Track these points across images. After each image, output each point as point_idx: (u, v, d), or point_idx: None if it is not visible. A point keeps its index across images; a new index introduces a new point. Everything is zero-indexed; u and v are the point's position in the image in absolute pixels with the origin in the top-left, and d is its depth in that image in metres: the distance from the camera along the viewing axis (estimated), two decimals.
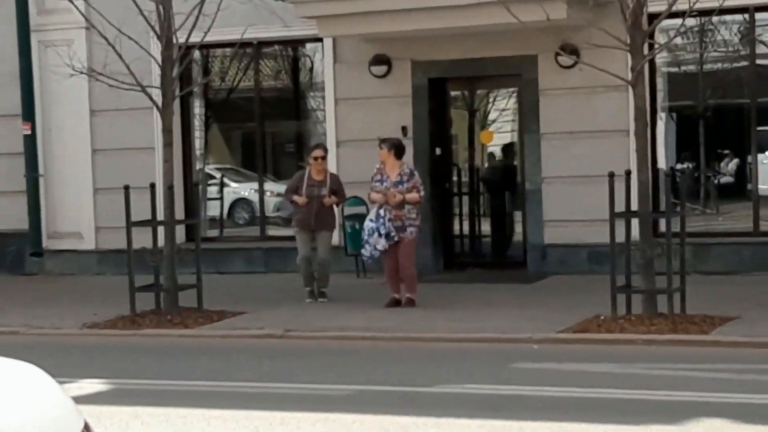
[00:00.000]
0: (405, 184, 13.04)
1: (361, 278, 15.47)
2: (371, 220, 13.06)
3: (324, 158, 13.84)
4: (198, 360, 10.94)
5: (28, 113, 17.18)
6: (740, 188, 15.36)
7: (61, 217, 17.41)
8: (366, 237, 13.05)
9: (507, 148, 16.69)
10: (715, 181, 15.58)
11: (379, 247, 12.96)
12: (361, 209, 15.31)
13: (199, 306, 12.96)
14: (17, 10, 17.05)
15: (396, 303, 13.08)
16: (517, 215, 16.22)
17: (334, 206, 14.00)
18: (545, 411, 8.14)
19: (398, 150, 13.24)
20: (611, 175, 11.46)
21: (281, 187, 16.43)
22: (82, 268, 17.25)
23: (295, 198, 13.72)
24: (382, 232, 12.92)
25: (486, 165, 16.83)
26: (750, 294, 12.97)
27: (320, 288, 13.82)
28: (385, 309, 12.91)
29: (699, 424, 7.67)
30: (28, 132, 17.20)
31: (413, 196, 13.00)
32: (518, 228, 16.20)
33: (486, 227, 16.68)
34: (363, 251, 13.30)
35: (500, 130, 16.96)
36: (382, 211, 12.98)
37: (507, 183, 16.45)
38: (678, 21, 12.24)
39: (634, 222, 11.82)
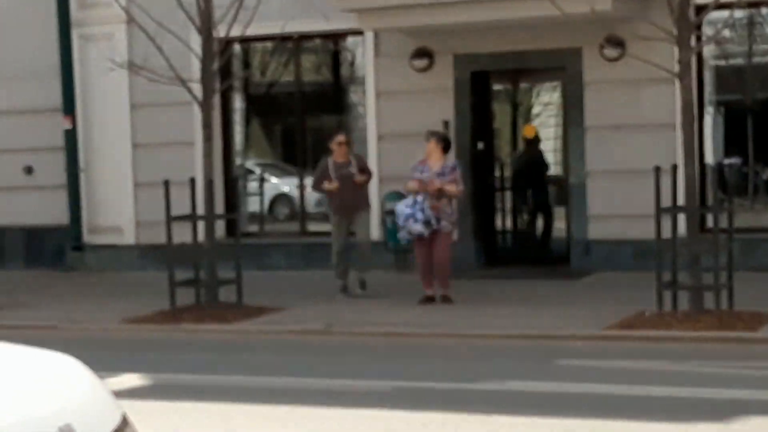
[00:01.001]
0: (447, 176, 12.91)
1: (402, 273, 15.35)
2: (407, 207, 12.87)
3: (347, 143, 13.80)
4: (238, 355, 10.91)
5: (69, 108, 17.22)
6: None
7: (101, 211, 17.41)
8: (401, 222, 12.89)
9: (533, 140, 16.48)
10: (764, 176, 15.36)
11: (415, 231, 12.77)
12: None
13: (238, 301, 12.90)
14: (58, 5, 17.10)
15: (429, 300, 12.94)
16: (561, 210, 16.06)
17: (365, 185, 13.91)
18: (590, 409, 8.04)
19: (446, 143, 13.23)
20: (657, 170, 11.30)
21: None
22: (122, 263, 17.25)
23: (326, 186, 13.63)
24: (419, 218, 12.73)
25: (521, 158, 16.66)
26: None
27: (360, 275, 13.70)
28: (425, 306, 12.77)
29: (747, 423, 7.54)
30: (69, 127, 17.24)
31: (451, 187, 12.85)
32: (562, 223, 16.03)
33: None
34: (399, 234, 13.18)
35: (544, 124, 16.79)
36: (419, 198, 12.82)
37: (539, 177, 16.29)
38: (726, 13, 12.06)
39: (681, 217, 11.66)
